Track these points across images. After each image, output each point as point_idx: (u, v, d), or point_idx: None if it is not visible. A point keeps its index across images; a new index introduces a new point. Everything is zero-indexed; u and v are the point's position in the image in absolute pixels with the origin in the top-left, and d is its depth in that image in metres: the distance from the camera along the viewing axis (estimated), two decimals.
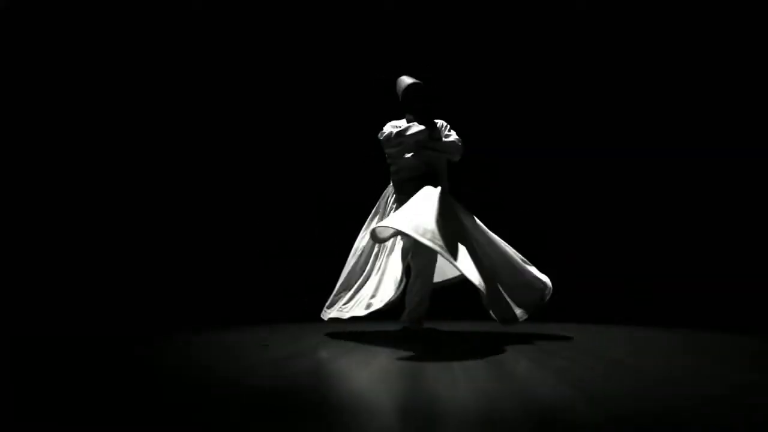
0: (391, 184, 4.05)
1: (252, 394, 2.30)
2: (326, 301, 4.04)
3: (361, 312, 3.76)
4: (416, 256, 3.78)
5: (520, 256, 3.91)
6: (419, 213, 3.41)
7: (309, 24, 5.91)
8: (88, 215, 5.61)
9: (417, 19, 5.89)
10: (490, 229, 3.92)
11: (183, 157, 5.83)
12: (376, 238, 3.71)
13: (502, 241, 3.91)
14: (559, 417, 1.96)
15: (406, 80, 4.02)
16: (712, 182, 5.64)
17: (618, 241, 5.70)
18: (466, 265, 3.31)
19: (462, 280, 3.60)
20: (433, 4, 5.91)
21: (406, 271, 3.78)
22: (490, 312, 3.57)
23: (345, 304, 3.90)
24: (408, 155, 3.91)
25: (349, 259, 4.02)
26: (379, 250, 3.92)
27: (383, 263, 3.84)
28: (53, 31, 5.60)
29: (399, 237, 3.73)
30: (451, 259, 3.25)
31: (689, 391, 2.34)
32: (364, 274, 3.92)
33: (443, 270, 4.05)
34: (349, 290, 3.92)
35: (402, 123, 4.01)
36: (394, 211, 3.80)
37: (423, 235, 3.26)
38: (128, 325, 4.58)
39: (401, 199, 3.83)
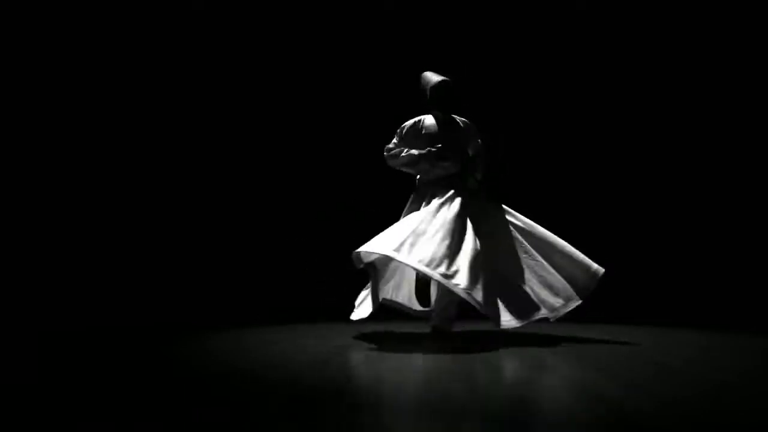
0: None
1: (294, 393, 2.31)
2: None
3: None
4: None
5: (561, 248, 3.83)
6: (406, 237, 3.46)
7: (308, 24, 5.93)
8: (98, 218, 5.65)
9: (417, 19, 5.91)
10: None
11: (185, 158, 5.85)
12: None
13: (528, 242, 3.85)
14: (620, 415, 1.98)
15: (433, 77, 4.00)
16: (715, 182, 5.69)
17: (617, 241, 5.72)
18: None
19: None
20: (433, 4, 5.93)
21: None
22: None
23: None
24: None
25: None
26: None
27: None
28: (53, 31, 5.61)
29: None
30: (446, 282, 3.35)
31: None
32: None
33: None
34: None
35: (424, 119, 4.02)
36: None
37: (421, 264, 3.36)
38: (147, 324, 4.63)
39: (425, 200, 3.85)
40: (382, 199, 5.38)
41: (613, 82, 5.83)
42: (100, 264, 5.51)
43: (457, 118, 4.07)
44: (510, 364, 2.99)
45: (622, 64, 5.85)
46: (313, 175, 5.93)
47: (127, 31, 5.78)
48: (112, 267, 5.52)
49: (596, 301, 3.76)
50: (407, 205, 4.01)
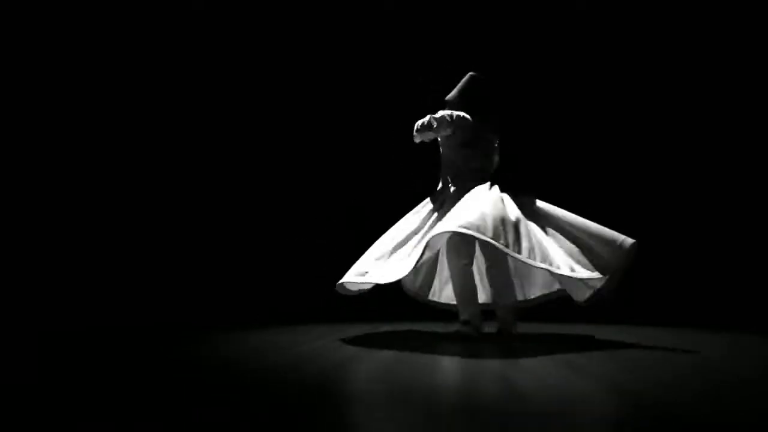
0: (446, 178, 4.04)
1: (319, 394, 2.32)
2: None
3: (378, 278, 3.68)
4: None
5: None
6: (474, 213, 3.49)
7: (308, 24, 5.94)
8: (98, 217, 5.65)
9: (417, 19, 5.91)
10: None
11: (186, 158, 5.86)
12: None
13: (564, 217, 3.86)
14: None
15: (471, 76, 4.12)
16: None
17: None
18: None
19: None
20: (433, 4, 5.93)
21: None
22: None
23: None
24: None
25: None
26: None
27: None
28: (53, 31, 5.62)
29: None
30: (513, 253, 3.42)
31: None
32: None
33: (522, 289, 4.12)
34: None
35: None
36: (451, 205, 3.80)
37: (484, 233, 3.39)
38: (148, 324, 4.64)
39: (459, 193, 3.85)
40: (382, 200, 5.40)
41: (614, 83, 5.83)
42: (100, 264, 5.53)
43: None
44: (538, 364, 2.99)
45: (623, 64, 5.84)
46: (313, 176, 5.93)
47: (127, 31, 5.78)
48: (112, 267, 5.54)
49: (607, 302, 3.79)
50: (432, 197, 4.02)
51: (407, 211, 4.03)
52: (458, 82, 4.14)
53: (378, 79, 5.86)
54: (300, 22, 5.95)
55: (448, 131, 3.92)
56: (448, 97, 4.11)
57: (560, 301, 4.04)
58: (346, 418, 1.97)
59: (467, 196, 3.74)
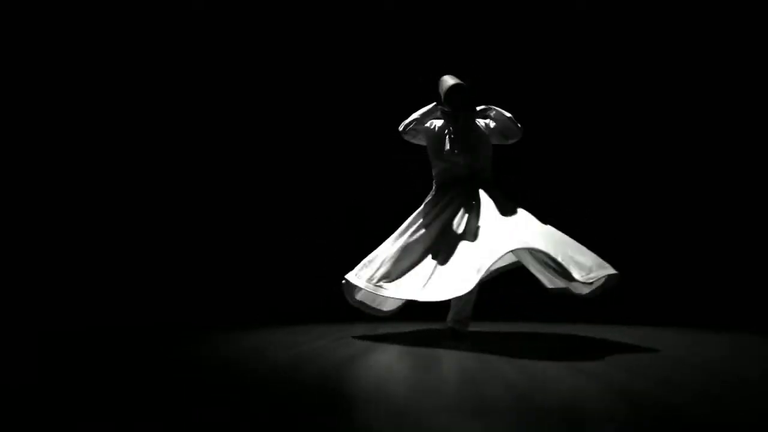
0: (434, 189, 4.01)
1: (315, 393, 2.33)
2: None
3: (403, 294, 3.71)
4: None
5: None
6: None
7: (308, 24, 5.94)
8: (98, 218, 5.66)
9: (417, 19, 5.92)
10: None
11: (186, 158, 5.86)
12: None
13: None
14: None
15: (448, 81, 4.03)
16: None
17: (630, 242, 5.70)
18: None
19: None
20: (433, 4, 5.94)
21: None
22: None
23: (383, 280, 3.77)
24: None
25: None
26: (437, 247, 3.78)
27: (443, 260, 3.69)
28: (53, 31, 5.63)
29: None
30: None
31: None
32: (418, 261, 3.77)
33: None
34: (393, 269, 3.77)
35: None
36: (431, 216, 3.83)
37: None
38: (147, 324, 4.64)
39: (441, 201, 3.87)
40: (382, 200, 5.41)
41: (614, 83, 5.83)
42: (100, 264, 5.53)
43: (478, 120, 4.07)
44: (538, 364, 3.00)
45: (623, 64, 5.84)
46: (313, 176, 5.93)
47: (127, 31, 5.79)
48: (112, 267, 5.54)
49: (607, 302, 3.81)
50: (422, 207, 3.96)
51: (407, 211, 4.00)
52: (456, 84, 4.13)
53: (378, 78, 5.86)
54: (300, 22, 5.96)
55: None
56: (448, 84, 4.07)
57: (559, 301, 4.05)
58: (346, 418, 1.97)
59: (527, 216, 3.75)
